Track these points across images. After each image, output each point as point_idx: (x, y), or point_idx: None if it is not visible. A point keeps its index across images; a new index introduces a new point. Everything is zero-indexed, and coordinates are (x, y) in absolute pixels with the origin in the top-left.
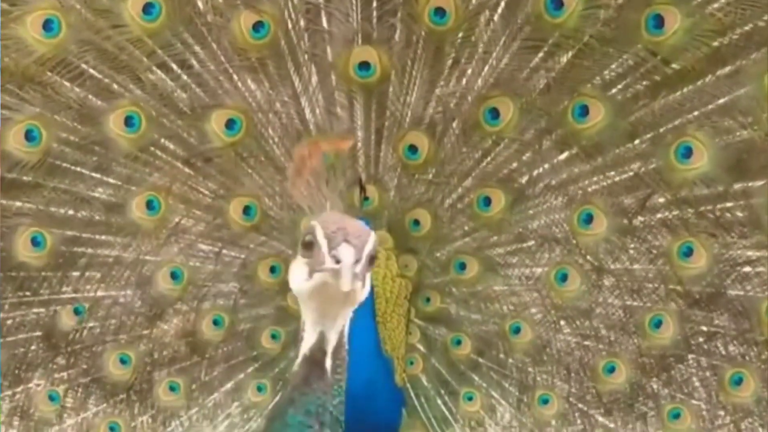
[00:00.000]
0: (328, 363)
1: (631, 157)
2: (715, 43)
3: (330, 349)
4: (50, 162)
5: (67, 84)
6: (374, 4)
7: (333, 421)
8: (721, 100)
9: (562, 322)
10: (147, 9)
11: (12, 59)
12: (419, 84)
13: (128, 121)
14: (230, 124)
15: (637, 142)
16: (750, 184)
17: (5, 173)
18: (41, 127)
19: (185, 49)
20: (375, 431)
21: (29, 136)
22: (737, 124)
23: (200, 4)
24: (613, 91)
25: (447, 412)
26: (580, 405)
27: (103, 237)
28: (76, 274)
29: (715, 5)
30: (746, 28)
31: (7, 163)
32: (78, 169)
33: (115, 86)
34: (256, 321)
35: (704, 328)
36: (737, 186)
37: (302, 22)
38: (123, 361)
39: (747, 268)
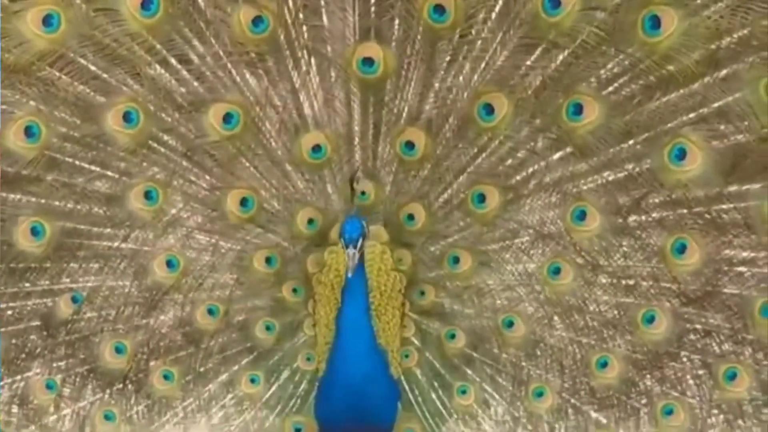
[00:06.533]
0: None
1: (625, 157)
2: (712, 46)
3: None
4: (50, 156)
5: (67, 79)
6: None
7: None
8: (716, 104)
9: (556, 318)
10: (145, 4)
11: (12, 54)
12: (416, 80)
13: (127, 117)
14: (228, 118)
15: (631, 142)
16: (744, 187)
17: (6, 168)
18: (41, 123)
19: (184, 43)
20: (371, 424)
21: (29, 132)
22: (732, 128)
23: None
24: (608, 90)
25: (441, 406)
26: (573, 400)
27: (102, 229)
28: (74, 265)
29: (713, 8)
30: (743, 32)
31: (7, 159)
32: (77, 162)
33: (114, 81)
34: (251, 312)
35: (698, 327)
36: (731, 188)
37: (301, 17)
38: (118, 350)
39: (742, 268)
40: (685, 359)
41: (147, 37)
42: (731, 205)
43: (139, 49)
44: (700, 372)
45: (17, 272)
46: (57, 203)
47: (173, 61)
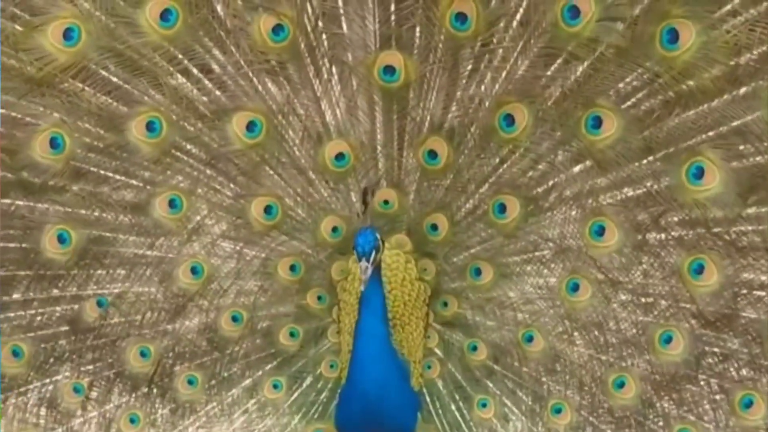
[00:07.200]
0: None
1: (644, 173)
2: (731, 63)
3: None
4: (75, 166)
5: (89, 90)
6: (392, 8)
7: None
8: (735, 123)
9: (575, 334)
10: (164, 16)
11: (34, 67)
12: (438, 88)
13: (150, 126)
14: (251, 126)
15: (650, 158)
16: (763, 209)
17: (32, 179)
18: (65, 134)
19: (205, 53)
20: None
21: (54, 143)
22: (751, 148)
23: (219, 9)
24: (627, 104)
25: (460, 419)
26: (591, 418)
27: (127, 236)
28: (101, 272)
29: (731, 23)
30: (763, 48)
31: (33, 170)
32: (102, 172)
33: (136, 92)
34: (275, 319)
35: (716, 350)
36: (750, 211)
37: (321, 25)
38: (143, 355)
39: (761, 293)
40: (702, 383)
41: (168, 47)
42: (750, 228)
43: (160, 60)
44: (717, 397)
45: (46, 279)
46: (83, 212)
47: (194, 70)
